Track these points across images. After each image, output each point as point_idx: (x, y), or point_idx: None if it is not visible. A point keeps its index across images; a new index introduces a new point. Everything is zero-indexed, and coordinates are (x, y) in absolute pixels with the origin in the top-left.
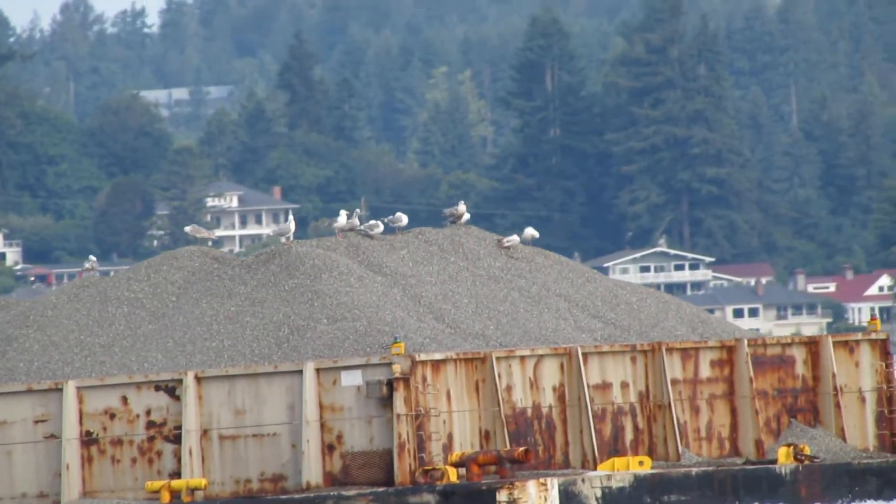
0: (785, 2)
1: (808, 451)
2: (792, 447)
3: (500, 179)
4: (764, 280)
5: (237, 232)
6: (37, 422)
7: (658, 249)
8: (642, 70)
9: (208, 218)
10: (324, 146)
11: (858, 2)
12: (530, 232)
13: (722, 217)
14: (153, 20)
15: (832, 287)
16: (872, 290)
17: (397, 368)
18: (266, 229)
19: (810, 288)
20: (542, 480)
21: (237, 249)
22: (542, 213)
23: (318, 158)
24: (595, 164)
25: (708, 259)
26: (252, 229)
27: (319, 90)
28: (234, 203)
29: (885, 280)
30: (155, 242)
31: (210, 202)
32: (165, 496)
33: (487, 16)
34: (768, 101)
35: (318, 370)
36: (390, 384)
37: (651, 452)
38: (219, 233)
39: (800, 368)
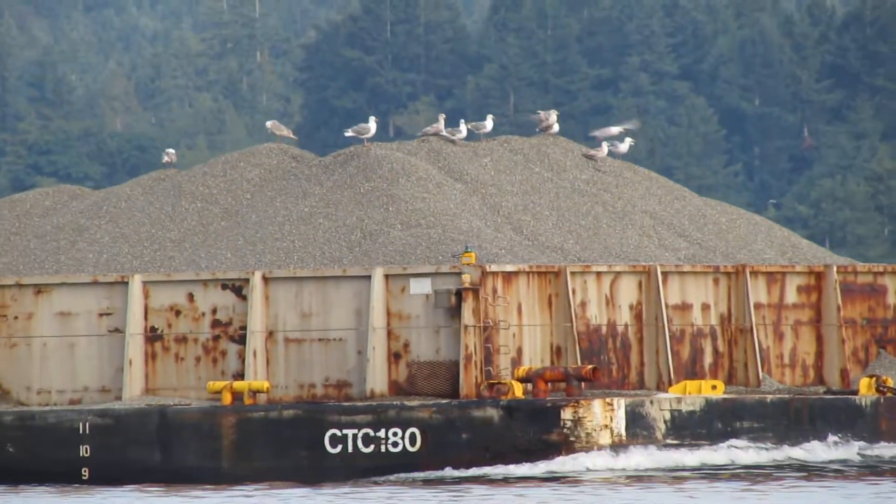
0: None
1: (891, 383)
2: (874, 378)
3: None
4: None
5: None
6: (101, 315)
7: None
8: None
9: None
10: None
11: None
12: (629, 141)
13: None
14: None
15: None
16: None
17: (467, 278)
18: None
19: None
20: (608, 400)
21: None
22: None
23: None
24: None
25: None
26: None
27: None
28: None
29: None
30: None
31: None
32: (227, 397)
33: None
34: None
35: (387, 276)
36: (459, 294)
37: (730, 377)
38: None
39: (892, 298)
